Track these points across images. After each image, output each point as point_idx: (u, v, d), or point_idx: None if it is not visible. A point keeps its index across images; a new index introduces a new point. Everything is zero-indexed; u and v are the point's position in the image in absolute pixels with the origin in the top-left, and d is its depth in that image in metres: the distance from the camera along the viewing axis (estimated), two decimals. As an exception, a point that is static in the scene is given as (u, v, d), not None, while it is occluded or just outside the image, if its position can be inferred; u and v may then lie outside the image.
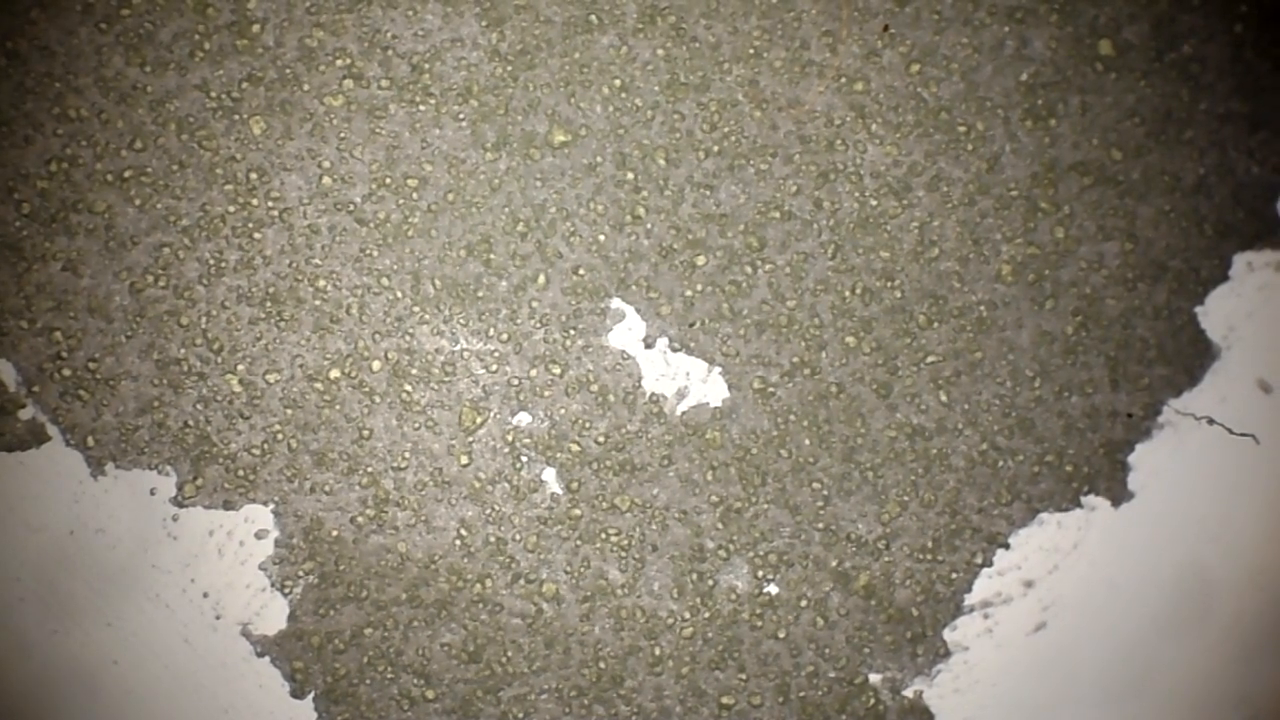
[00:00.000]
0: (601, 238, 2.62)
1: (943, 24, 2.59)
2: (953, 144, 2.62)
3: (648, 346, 2.65)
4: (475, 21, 2.56)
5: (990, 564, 2.73)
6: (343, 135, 2.57)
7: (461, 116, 2.59)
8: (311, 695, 2.67)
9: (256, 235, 2.59)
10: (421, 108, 2.57)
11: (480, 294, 2.61)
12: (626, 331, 2.65)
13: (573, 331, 2.63)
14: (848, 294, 2.65)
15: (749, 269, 2.64)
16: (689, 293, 2.64)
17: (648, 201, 2.61)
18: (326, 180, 2.58)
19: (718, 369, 2.66)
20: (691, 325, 2.64)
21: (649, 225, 2.61)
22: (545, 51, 2.57)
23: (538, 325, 2.63)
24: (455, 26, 2.56)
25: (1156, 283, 2.67)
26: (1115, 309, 2.67)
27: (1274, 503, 2.72)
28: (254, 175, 2.58)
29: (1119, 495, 2.71)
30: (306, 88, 2.56)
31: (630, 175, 2.60)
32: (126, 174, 2.56)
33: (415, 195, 2.59)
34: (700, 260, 2.63)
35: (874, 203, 2.63)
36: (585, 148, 2.60)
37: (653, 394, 2.66)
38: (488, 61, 2.57)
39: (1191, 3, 2.60)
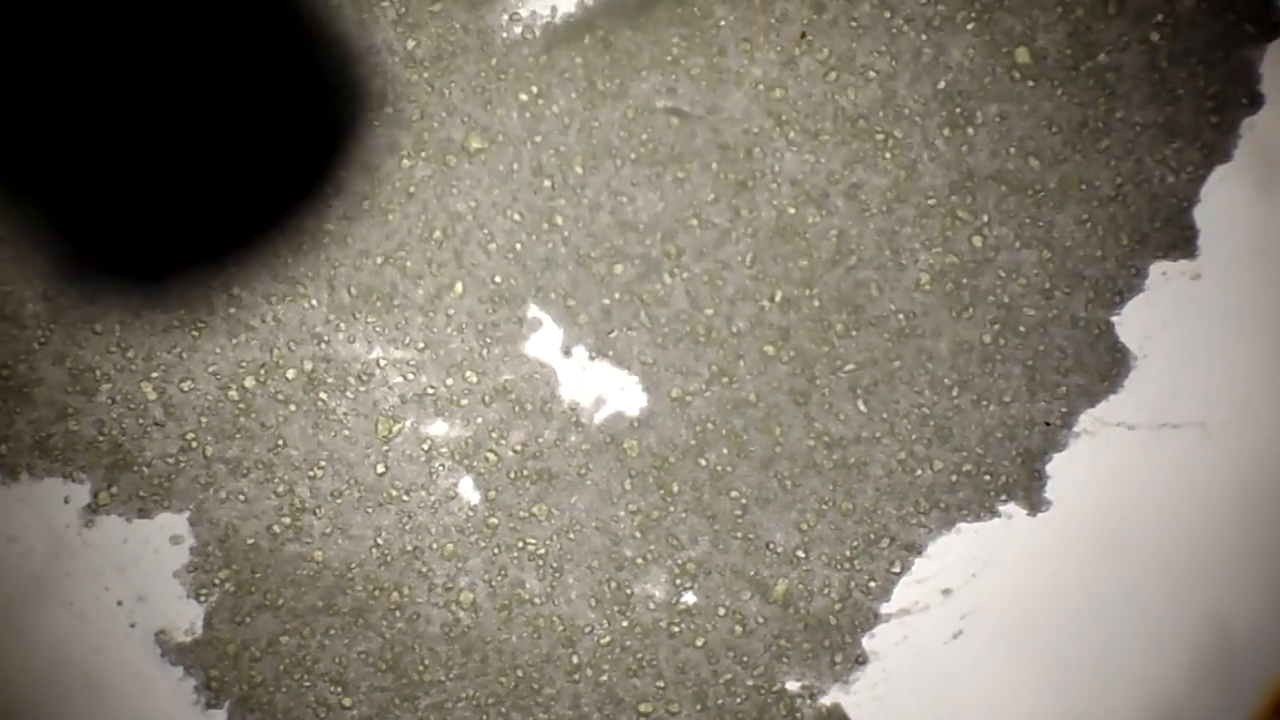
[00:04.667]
0: (518, 245, 2.61)
1: (860, 31, 2.58)
2: (870, 152, 2.61)
3: (565, 355, 2.65)
4: (391, 27, 2.55)
5: (908, 572, 2.73)
6: (243, 145, 2.56)
7: (377, 123, 2.57)
8: (227, 704, 2.67)
9: (167, 243, 2.58)
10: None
11: (396, 301, 2.60)
12: (543, 340, 2.64)
13: (489, 340, 2.62)
14: (766, 302, 2.64)
15: (667, 277, 2.63)
16: (606, 301, 2.63)
17: (564, 209, 2.60)
18: (229, 190, 2.57)
19: (635, 377, 2.65)
20: (609, 334, 2.64)
21: (566, 233, 2.61)
22: (461, 58, 2.56)
23: (455, 332, 2.63)
24: (370, 32, 2.55)
25: (1074, 292, 2.66)
26: (1033, 318, 2.67)
27: (1190, 510, 2.72)
28: (162, 183, 2.56)
29: (1036, 503, 2.72)
30: (209, 96, 2.55)
31: (547, 183, 2.59)
32: (40, 180, 2.54)
33: (331, 200, 2.57)
34: (618, 269, 2.62)
35: (792, 210, 2.62)
36: (501, 155, 2.59)
37: (570, 403, 2.65)
38: (403, 68, 2.56)
39: (1108, 11, 2.59)
